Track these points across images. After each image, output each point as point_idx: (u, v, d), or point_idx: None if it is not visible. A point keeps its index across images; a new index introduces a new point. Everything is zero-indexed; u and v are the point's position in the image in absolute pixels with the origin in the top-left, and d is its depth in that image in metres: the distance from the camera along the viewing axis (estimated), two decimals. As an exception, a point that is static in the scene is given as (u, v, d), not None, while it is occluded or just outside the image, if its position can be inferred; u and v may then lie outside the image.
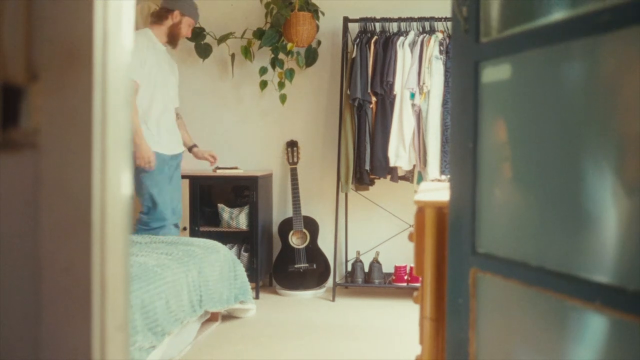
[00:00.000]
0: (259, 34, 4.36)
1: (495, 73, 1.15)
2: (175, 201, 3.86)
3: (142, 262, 2.89)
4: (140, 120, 3.58)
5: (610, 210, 0.90)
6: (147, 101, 3.63)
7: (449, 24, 3.81)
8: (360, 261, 4.28)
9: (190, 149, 4.05)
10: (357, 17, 4.18)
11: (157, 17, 3.80)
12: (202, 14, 4.47)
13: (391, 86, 3.96)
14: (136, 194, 3.69)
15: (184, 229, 4.26)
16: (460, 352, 1.21)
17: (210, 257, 3.33)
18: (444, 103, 3.91)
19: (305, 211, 4.32)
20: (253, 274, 4.08)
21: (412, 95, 3.94)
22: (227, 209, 4.32)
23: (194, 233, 4.20)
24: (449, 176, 1.26)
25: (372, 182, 4.19)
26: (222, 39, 4.38)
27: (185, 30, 3.81)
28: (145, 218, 3.71)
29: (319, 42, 4.45)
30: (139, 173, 3.61)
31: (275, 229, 4.44)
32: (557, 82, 1.00)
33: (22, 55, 0.69)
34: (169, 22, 3.77)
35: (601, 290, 0.89)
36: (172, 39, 3.81)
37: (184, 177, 4.30)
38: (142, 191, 3.66)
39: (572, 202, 0.96)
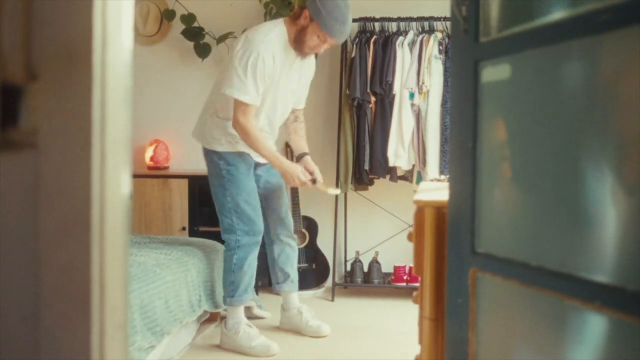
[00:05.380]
0: (258, 33, 4.35)
1: (494, 73, 1.14)
2: (282, 212, 3.40)
3: (142, 262, 2.89)
4: (225, 116, 3.13)
5: (610, 210, 0.90)
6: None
7: (449, 23, 3.80)
8: (360, 261, 4.28)
9: (299, 158, 3.33)
10: (356, 17, 4.18)
11: (294, 13, 3.16)
12: (201, 13, 4.48)
13: (390, 86, 3.96)
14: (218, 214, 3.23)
15: (183, 228, 4.26)
16: (459, 352, 1.21)
17: (209, 257, 3.33)
18: (444, 103, 3.91)
19: (304, 211, 4.31)
20: (252, 273, 4.08)
21: (412, 95, 3.94)
22: (226, 208, 4.30)
23: (193, 233, 4.20)
24: (448, 176, 1.26)
25: (371, 182, 4.19)
26: (221, 39, 4.38)
27: (312, 40, 3.07)
28: (232, 239, 3.15)
29: (318, 42, 4.44)
30: (213, 185, 3.21)
31: (274, 228, 4.43)
32: (557, 82, 1.00)
33: (22, 55, 0.69)
34: (300, 22, 3.07)
35: (601, 290, 0.89)
36: (297, 44, 3.11)
37: (183, 176, 4.30)
38: (223, 204, 3.17)
39: (572, 202, 0.96)
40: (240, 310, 3.17)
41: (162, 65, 4.66)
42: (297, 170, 3.14)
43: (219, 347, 3.16)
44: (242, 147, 3.16)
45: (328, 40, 3.08)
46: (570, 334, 1.01)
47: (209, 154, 3.22)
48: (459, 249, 1.20)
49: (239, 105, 3.02)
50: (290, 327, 3.42)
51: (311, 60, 3.35)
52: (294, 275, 3.47)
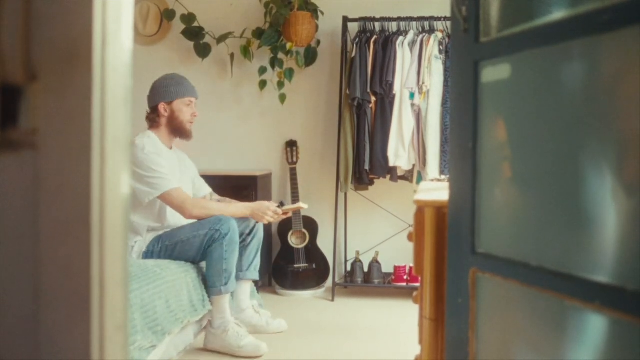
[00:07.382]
0: (258, 33, 4.36)
1: (494, 73, 1.14)
2: None
3: (141, 262, 2.89)
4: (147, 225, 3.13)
5: (609, 210, 0.90)
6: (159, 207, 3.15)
7: (449, 23, 3.80)
8: (360, 261, 4.28)
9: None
10: (357, 17, 4.18)
11: (150, 121, 3.25)
12: (201, 13, 4.48)
13: (390, 86, 3.96)
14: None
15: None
16: (459, 352, 1.21)
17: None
18: (444, 103, 3.91)
19: (304, 211, 4.31)
20: (252, 273, 4.08)
21: (412, 95, 3.94)
22: (226, 208, 4.30)
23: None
24: (448, 176, 1.26)
25: (371, 182, 4.19)
26: (221, 39, 4.38)
27: (185, 114, 3.23)
28: (216, 234, 3.01)
29: (318, 42, 4.45)
30: (185, 250, 3.06)
31: (274, 228, 4.44)
32: (557, 82, 1.00)
33: (21, 55, 0.69)
34: (163, 120, 3.22)
35: (601, 290, 0.89)
36: (179, 132, 3.25)
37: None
38: (190, 239, 3.05)
39: (572, 202, 0.96)
40: (227, 303, 3.07)
41: (162, 65, 4.65)
42: (263, 205, 3.20)
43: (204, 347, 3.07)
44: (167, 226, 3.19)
45: (193, 101, 3.26)
46: (570, 334, 1.01)
47: (156, 251, 3.13)
48: (459, 249, 1.20)
49: (172, 197, 3.02)
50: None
51: (185, 157, 3.43)
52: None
